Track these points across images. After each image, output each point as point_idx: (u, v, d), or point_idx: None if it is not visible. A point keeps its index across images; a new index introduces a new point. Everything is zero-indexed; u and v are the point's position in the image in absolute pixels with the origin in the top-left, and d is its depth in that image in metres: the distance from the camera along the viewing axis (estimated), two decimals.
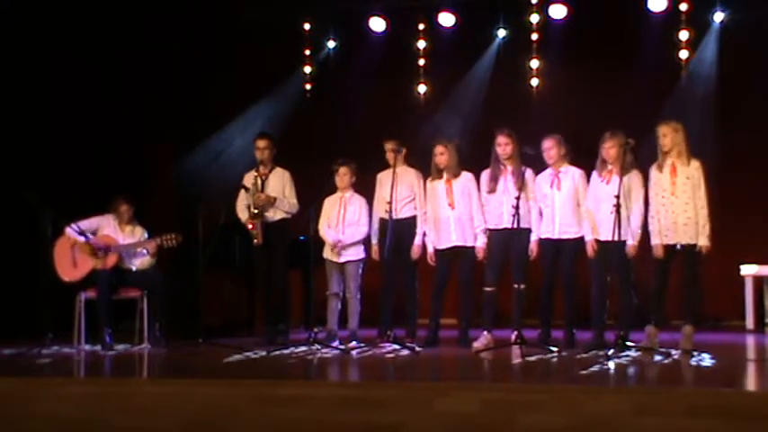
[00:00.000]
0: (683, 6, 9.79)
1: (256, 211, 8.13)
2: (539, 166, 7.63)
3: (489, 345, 7.36)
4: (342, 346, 7.48)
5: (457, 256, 7.76)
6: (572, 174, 7.53)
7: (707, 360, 6.49)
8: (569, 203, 7.49)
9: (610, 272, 7.25)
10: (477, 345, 7.44)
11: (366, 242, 8.12)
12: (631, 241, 7.13)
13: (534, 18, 10.24)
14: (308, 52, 11.06)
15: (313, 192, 8.16)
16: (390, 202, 7.62)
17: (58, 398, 5.62)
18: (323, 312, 8.11)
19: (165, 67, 10.66)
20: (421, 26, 10.71)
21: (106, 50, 9.85)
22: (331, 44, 11.12)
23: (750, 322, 9.29)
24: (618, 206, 6.71)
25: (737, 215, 9.61)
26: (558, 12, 10.14)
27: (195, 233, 7.66)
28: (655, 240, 7.05)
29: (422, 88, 10.87)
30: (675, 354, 6.69)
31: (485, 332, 7.51)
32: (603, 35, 9.94)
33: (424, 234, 7.92)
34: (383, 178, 8.23)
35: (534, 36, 10.31)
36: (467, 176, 7.75)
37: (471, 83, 10.65)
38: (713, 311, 9.78)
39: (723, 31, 9.91)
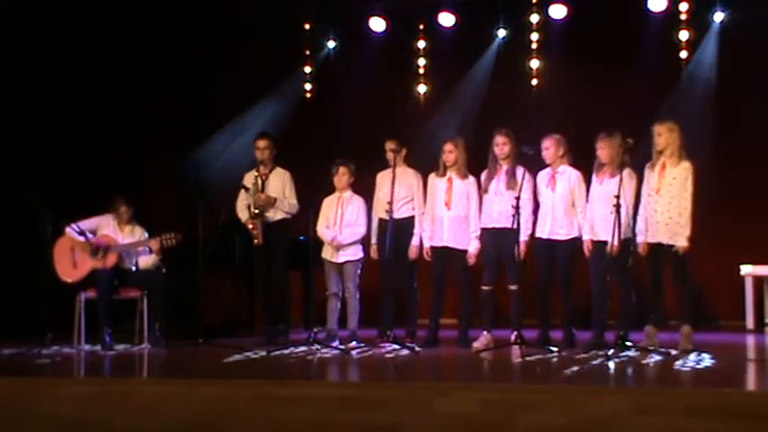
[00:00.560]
0: (683, 6, 9.79)
1: (257, 211, 8.13)
2: (539, 165, 7.62)
3: (489, 345, 7.37)
4: (342, 346, 7.48)
5: (449, 257, 7.76)
6: (569, 175, 7.53)
7: (707, 360, 6.49)
8: (562, 204, 7.48)
9: (608, 272, 7.25)
10: (477, 345, 7.44)
11: (364, 242, 8.11)
12: (616, 241, 7.08)
13: (534, 18, 10.25)
14: (308, 52, 11.06)
15: (313, 192, 8.16)
16: (391, 203, 7.62)
17: (58, 398, 5.61)
18: (323, 312, 8.11)
19: (165, 67, 10.66)
20: (421, 26, 10.71)
21: (106, 50, 9.85)
22: (331, 44, 11.13)
23: (750, 322, 9.29)
24: (618, 206, 6.71)
25: (737, 215, 9.63)
26: (558, 12, 10.14)
27: (195, 233, 7.66)
28: (640, 239, 7.05)
29: (422, 88, 10.87)
30: (675, 354, 6.68)
31: (484, 332, 7.51)
32: (603, 35, 9.95)
33: (422, 234, 7.92)
34: (382, 178, 8.24)
35: (534, 36, 10.31)
36: (470, 180, 7.74)
37: (471, 83, 10.65)
38: (713, 311, 9.79)
39: (723, 31, 9.91)
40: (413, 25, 10.73)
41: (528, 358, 6.69)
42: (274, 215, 8.22)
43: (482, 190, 7.65)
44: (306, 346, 7.46)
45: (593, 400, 4.94)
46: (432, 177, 7.88)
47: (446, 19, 10.53)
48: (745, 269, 9.39)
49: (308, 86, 11.17)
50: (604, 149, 7.25)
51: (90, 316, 7.99)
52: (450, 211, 7.72)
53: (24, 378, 6.06)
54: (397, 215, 7.78)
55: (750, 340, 8.46)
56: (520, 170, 7.47)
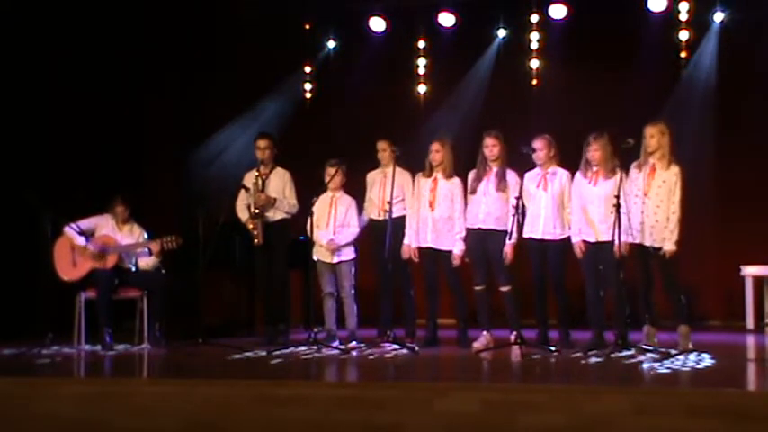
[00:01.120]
0: (683, 6, 9.79)
1: (257, 211, 8.13)
2: (532, 166, 7.60)
3: (489, 345, 7.36)
4: (342, 346, 7.48)
5: (436, 258, 7.75)
6: (560, 176, 7.52)
7: (707, 360, 6.49)
8: (555, 205, 7.47)
9: (604, 272, 7.24)
10: (476, 345, 7.44)
11: (357, 242, 8.10)
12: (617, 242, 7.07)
13: (534, 18, 10.25)
14: (308, 52, 11.06)
15: (313, 192, 8.16)
16: (390, 202, 7.61)
17: (58, 398, 5.61)
18: (323, 312, 8.11)
19: (165, 66, 10.66)
20: (421, 26, 10.71)
21: (106, 50, 9.85)
22: (331, 44, 11.13)
23: (750, 322, 9.29)
24: (618, 206, 6.71)
25: (737, 215, 9.64)
26: (558, 12, 10.14)
27: (195, 233, 7.66)
28: (627, 239, 7.01)
29: (422, 88, 10.88)
30: (675, 354, 6.68)
31: (484, 332, 7.51)
32: (603, 35, 9.95)
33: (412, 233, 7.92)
34: (372, 178, 8.25)
35: (534, 36, 10.31)
36: (455, 181, 7.70)
37: (471, 83, 10.65)
38: (713, 311, 9.79)
39: (723, 31, 9.91)
40: (413, 25, 10.73)
41: (527, 358, 6.69)
42: (274, 215, 8.22)
43: (469, 190, 7.61)
44: (306, 346, 7.46)
45: (593, 400, 4.94)
46: (418, 177, 7.86)
47: (446, 19, 10.54)
48: (745, 269, 9.39)
49: (308, 86, 11.18)
50: (599, 150, 7.23)
51: (90, 316, 7.99)
52: (434, 211, 7.69)
53: (24, 378, 6.06)
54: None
55: (750, 340, 8.46)
56: (512, 173, 7.46)
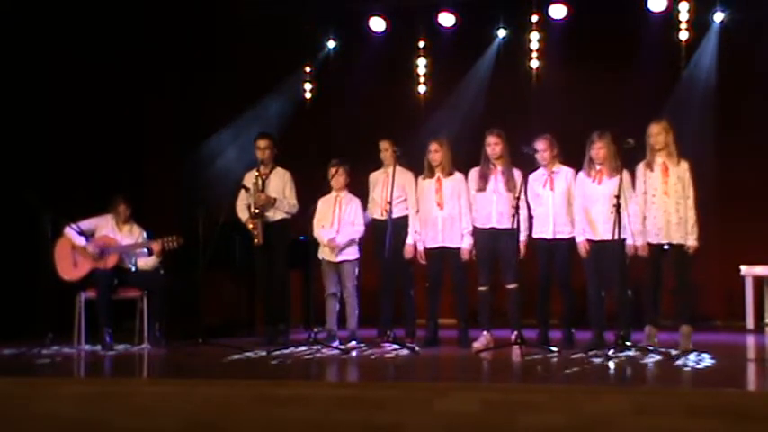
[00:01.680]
0: (683, 6, 9.79)
1: (257, 211, 8.13)
2: (535, 165, 7.61)
3: (489, 345, 7.36)
4: (342, 346, 7.48)
5: (445, 256, 7.75)
6: (565, 174, 7.53)
7: (707, 360, 6.49)
8: (563, 203, 7.49)
9: (606, 271, 7.26)
10: (476, 345, 7.44)
11: (361, 242, 8.09)
12: (631, 241, 7.13)
13: (534, 18, 10.25)
14: (308, 52, 11.06)
15: (313, 192, 8.16)
16: (390, 203, 7.62)
17: (58, 398, 5.61)
18: (323, 312, 8.11)
19: (165, 67, 10.66)
20: (421, 26, 10.71)
21: (106, 51, 9.85)
22: (331, 44, 11.13)
23: (750, 322, 9.29)
24: (618, 206, 6.71)
25: (737, 215, 9.64)
26: (558, 12, 10.14)
27: (195, 233, 7.66)
28: (640, 240, 7.04)
29: (422, 88, 10.88)
30: (675, 354, 6.68)
31: (484, 332, 7.51)
32: (603, 35, 9.95)
33: (416, 233, 7.92)
34: (374, 178, 8.25)
35: (534, 36, 10.31)
36: (458, 177, 7.73)
37: (471, 83, 10.65)
38: (713, 311, 9.79)
39: (723, 31, 9.91)
40: (413, 25, 10.73)
41: (528, 358, 6.69)
42: (274, 215, 8.22)
43: (475, 189, 7.62)
44: (306, 346, 7.46)
45: (593, 400, 4.94)
46: (420, 180, 7.87)
47: (446, 19, 10.54)
48: (745, 269, 9.39)
49: (307, 86, 11.18)
50: (602, 149, 7.25)
51: (90, 316, 7.99)
52: (443, 210, 7.70)
53: (24, 378, 6.06)
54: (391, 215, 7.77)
55: (750, 340, 8.46)
56: (517, 171, 7.48)
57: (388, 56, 10.74)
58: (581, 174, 7.39)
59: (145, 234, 8.22)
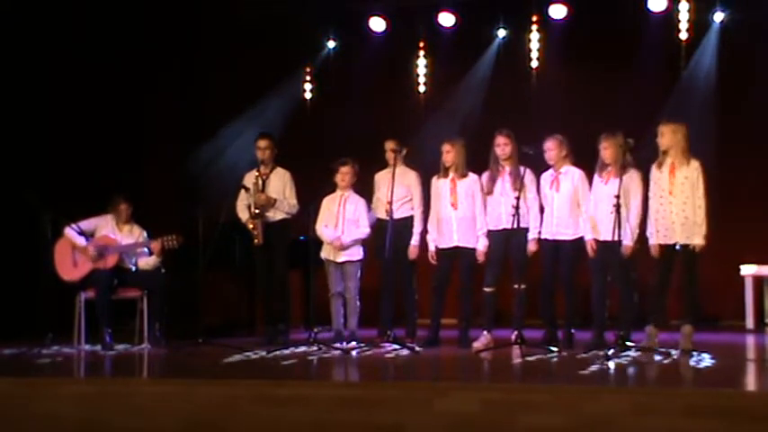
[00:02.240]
0: (683, 6, 9.79)
1: (257, 211, 8.12)
2: (539, 165, 7.63)
3: (489, 345, 7.37)
4: (342, 346, 7.47)
5: (457, 256, 7.76)
6: (572, 175, 7.53)
7: (707, 360, 6.49)
8: (567, 205, 7.49)
9: (610, 272, 7.27)
10: (477, 345, 7.44)
11: (365, 242, 8.09)
12: (627, 241, 7.13)
13: (534, 18, 10.24)
14: (308, 52, 11.06)
15: (313, 192, 8.16)
16: (391, 203, 7.63)
17: (58, 398, 5.62)
18: (323, 312, 8.11)
19: (165, 66, 10.66)
20: (421, 26, 10.71)
21: (106, 50, 9.85)
22: (331, 44, 11.13)
23: (750, 322, 9.28)
24: (618, 206, 6.72)
25: (737, 215, 9.63)
26: (558, 12, 10.14)
27: (195, 233, 7.66)
28: (652, 241, 7.05)
29: (422, 88, 10.87)
30: (675, 354, 6.69)
31: (485, 332, 7.51)
32: (603, 35, 9.95)
33: (421, 234, 7.92)
34: (380, 178, 8.25)
35: (534, 36, 10.31)
36: (472, 178, 7.73)
37: (471, 83, 10.65)
38: (713, 311, 9.78)
39: (723, 31, 9.91)
40: (413, 25, 10.72)
41: (528, 358, 6.69)
42: (274, 215, 8.22)
43: (485, 191, 7.64)
44: (306, 346, 7.46)
45: (593, 400, 4.94)
46: (434, 180, 7.87)
47: (446, 19, 10.53)
48: (745, 269, 9.39)
49: (307, 86, 11.18)
50: (608, 149, 7.26)
51: (90, 316, 7.99)
52: (457, 210, 7.70)
53: (24, 378, 6.06)
54: (395, 215, 7.78)
55: (750, 340, 8.46)
56: (526, 171, 7.48)
57: (388, 56, 10.74)
58: (595, 174, 7.41)
59: (145, 234, 8.23)
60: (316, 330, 7.60)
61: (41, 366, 6.82)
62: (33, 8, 9.22)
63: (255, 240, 8.13)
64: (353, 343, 7.66)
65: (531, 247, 7.47)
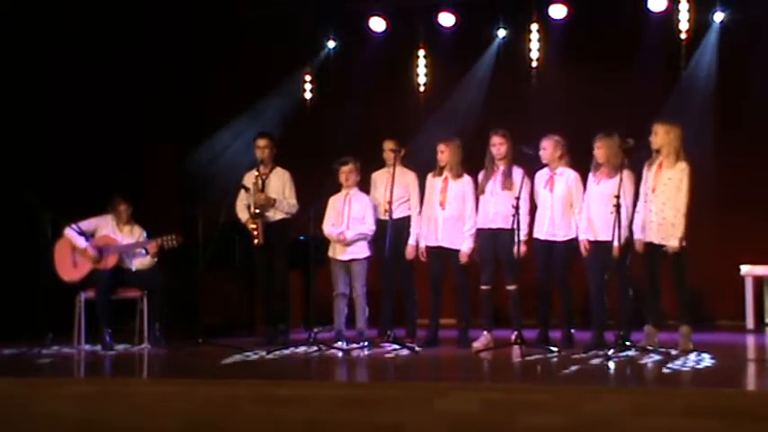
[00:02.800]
0: (683, 6, 9.78)
1: (257, 210, 8.12)
2: (538, 165, 7.62)
3: (489, 345, 7.37)
4: (342, 346, 7.46)
5: (445, 257, 7.74)
6: (567, 176, 7.53)
7: (707, 360, 6.49)
8: (561, 206, 7.48)
9: (607, 272, 7.26)
10: (477, 345, 7.44)
11: (371, 241, 8.04)
12: (616, 242, 7.08)
13: (534, 18, 10.24)
14: (308, 52, 11.06)
15: (313, 192, 8.15)
16: (390, 202, 7.63)
17: (58, 398, 5.62)
18: (323, 312, 8.10)
19: (165, 66, 10.66)
20: (421, 26, 10.71)
21: (106, 50, 9.85)
22: (331, 44, 11.13)
23: (750, 322, 9.27)
24: (618, 206, 6.72)
25: (737, 215, 9.63)
26: (558, 12, 10.13)
27: (195, 233, 7.66)
28: (637, 235, 7.04)
29: (422, 88, 10.87)
30: (675, 354, 6.69)
31: (484, 332, 7.51)
32: (603, 35, 9.94)
33: (418, 234, 7.91)
34: (377, 178, 8.25)
35: (534, 36, 10.31)
36: (466, 180, 7.71)
37: (471, 83, 10.65)
38: (713, 311, 9.78)
39: (723, 31, 9.90)
40: (413, 25, 10.72)
41: (528, 358, 6.69)
42: (274, 215, 8.22)
43: (479, 190, 7.64)
44: (306, 346, 7.46)
45: (593, 400, 4.94)
46: (429, 177, 7.87)
47: (446, 19, 10.52)
48: (745, 269, 9.38)
49: (307, 86, 11.18)
50: (601, 149, 7.27)
51: (90, 316, 7.99)
52: (444, 210, 7.69)
53: (24, 378, 6.06)
54: (393, 215, 7.77)
55: (750, 340, 8.45)
56: (518, 171, 7.49)
57: (388, 56, 10.74)
58: (590, 174, 7.41)
59: (145, 234, 8.22)
60: (316, 330, 7.59)
61: (41, 366, 6.82)
62: (33, 8, 9.22)
63: (255, 240, 8.13)
64: (360, 344, 7.59)
65: (522, 248, 7.41)
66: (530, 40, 10.33)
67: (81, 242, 8.01)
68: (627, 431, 4.80)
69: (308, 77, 11.16)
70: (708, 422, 4.72)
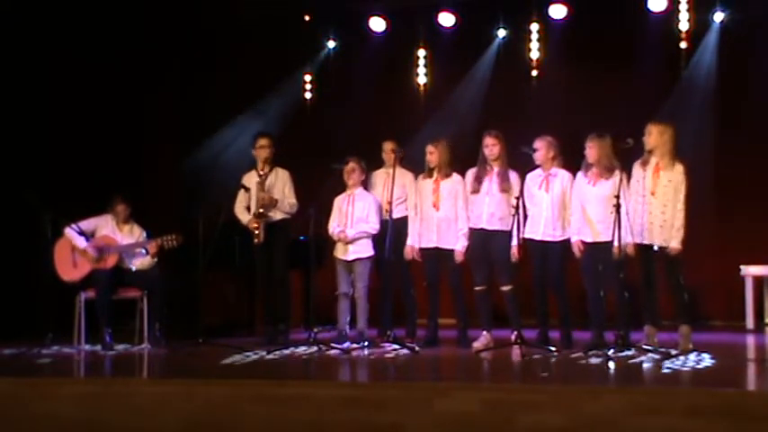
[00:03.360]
0: (683, 6, 9.79)
1: (261, 210, 8.11)
2: (534, 165, 7.61)
3: (489, 345, 7.37)
4: (342, 346, 7.47)
5: (440, 258, 7.74)
6: (561, 177, 7.51)
7: (707, 360, 6.49)
8: (556, 206, 7.47)
9: (603, 272, 7.25)
10: (476, 345, 7.44)
11: (375, 240, 8.03)
12: (616, 243, 7.08)
13: (534, 18, 10.25)
14: (308, 52, 11.06)
15: (313, 192, 8.16)
16: (390, 203, 7.63)
17: (58, 398, 5.62)
18: (323, 312, 8.10)
19: (165, 66, 10.66)
20: (421, 26, 10.71)
21: (106, 50, 9.85)
22: (331, 44, 11.14)
23: (750, 322, 9.28)
24: (618, 206, 6.71)
25: (737, 215, 9.63)
26: (558, 12, 10.14)
27: (195, 233, 7.66)
28: (628, 238, 7.02)
29: (422, 88, 10.87)
30: (675, 354, 6.68)
31: (484, 332, 7.51)
32: (603, 35, 9.95)
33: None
34: (375, 179, 8.25)
35: (534, 36, 10.31)
36: (455, 179, 7.71)
37: (471, 83, 10.65)
38: (713, 311, 9.79)
39: (723, 30, 9.91)
40: (413, 25, 10.73)
41: (528, 358, 6.69)
42: (274, 215, 8.22)
43: (470, 190, 7.61)
44: (306, 346, 7.46)
45: (593, 400, 4.94)
46: (419, 179, 7.87)
47: (446, 19, 10.54)
48: (745, 269, 9.39)
49: (307, 86, 11.18)
50: (592, 149, 7.26)
51: (90, 316, 7.99)
52: (438, 211, 7.68)
53: (24, 378, 6.06)
54: (393, 215, 7.76)
55: (750, 340, 8.45)
56: (513, 173, 7.48)
57: (388, 56, 10.74)
58: (579, 174, 7.39)
59: (145, 234, 8.22)
60: (316, 330, 7.60)
61: (41, 366, 6.82)
62: (33, 8, 9.22)
63: (256, 240, 8.12)
64: (351, 344, 7.60)
65: (515, 251, 7.37)
66: (530, 40, 10.34)
67: (81, 242, 8.01)
68: (627, 431, 4.80)
69: (307, 77, 11.17)
70: (708, 422, 4.72)
